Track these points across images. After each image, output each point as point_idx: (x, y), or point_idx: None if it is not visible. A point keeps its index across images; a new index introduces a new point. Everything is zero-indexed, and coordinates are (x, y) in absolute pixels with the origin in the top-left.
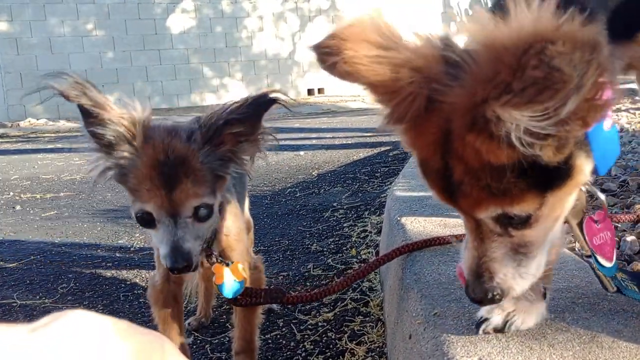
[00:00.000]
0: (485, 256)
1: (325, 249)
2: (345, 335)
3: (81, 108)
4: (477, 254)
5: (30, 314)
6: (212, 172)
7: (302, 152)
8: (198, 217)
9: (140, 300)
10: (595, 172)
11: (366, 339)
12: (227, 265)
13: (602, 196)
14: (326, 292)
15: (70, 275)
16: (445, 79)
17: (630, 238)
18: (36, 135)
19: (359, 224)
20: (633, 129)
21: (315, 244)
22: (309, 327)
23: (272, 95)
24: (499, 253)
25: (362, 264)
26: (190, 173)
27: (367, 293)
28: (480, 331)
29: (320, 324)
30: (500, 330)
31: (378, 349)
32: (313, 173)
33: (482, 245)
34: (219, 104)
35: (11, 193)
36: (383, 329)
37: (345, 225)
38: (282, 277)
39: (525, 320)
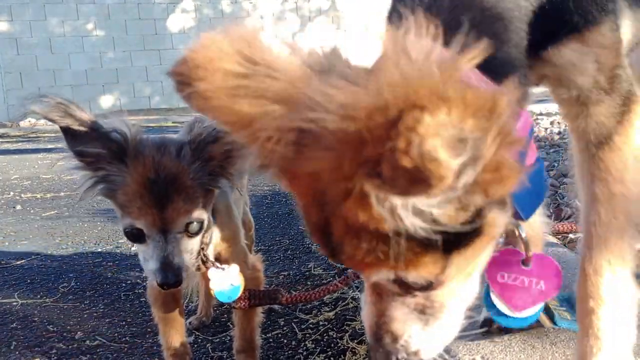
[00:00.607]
0: (384, 315)
1: None
2: (347, 334)
3: (63, 128)
4: (377, 312)
5: (31, 313)
6: (203, 188)
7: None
8: (189, 232)
9: (142, 299)
10: (517, 216)
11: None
12: (223, 269)
13: (523, 234)
14: (324, 291)
15: (71, 275)
16: (309, 136)
17: None
18: (36, 135)
19: None
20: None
21: (315, 244)
22: (310, 326)
23: None
24: (400, 313)
25: None
26: (182, 191)
27: None
28: (487, 330)
29: (321, 323)
30: (503, 329)
31: None
32: None
33: (381, 302)
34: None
35: (11, 193)
36: None
37: None
38: (282, 276)
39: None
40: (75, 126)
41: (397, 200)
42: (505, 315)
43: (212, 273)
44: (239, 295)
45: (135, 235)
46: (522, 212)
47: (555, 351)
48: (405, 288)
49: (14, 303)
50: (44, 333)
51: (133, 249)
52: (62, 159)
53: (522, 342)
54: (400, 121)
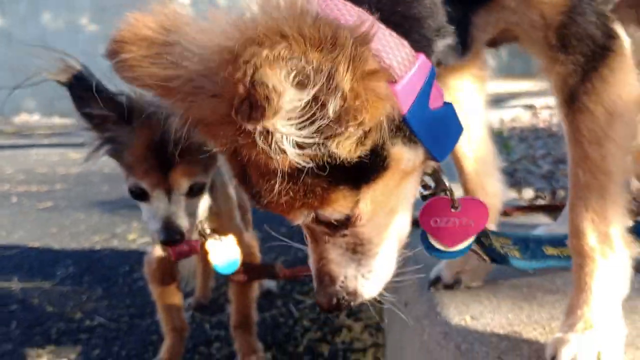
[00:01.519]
0: (322, 258)
1: None
2: (343, 313)
3: (72, 90)
4: (317, 256)
5: (31, 296)
6: (205, 152)
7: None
8: (191, 194)
9: (139, 283)
10: (432, 157)
11: (363, 315)
12: (221, 241)
13: (447, 183)
14: None
15: (68, 261)
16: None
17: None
18: (30, 131)
19: None
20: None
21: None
22: (307, 306)
23: None
24: (335, 254)
25: None
26: (186, 153)
27: None
28: (432, 289)
29: None
30: (450, 286)
31: (375, 325)
32: None
33: (318, 247)
34: None
35: (7, 185)
36: (381, 306)
37: None
38: (281, 261)
39: (473, 278)
40: (82, 90)
41: (274, 130)
42: (440, 251)
43: (211, 245)
44: (237, 266)
45: (140, 195)
46: (435, 153)
47: (542, 311)
48: (331, 227)
49: (13, 286)
50: (44, 314)
51: (130, 237)
52: (57, 153)
53: (511, 303)
54: (240, 57)
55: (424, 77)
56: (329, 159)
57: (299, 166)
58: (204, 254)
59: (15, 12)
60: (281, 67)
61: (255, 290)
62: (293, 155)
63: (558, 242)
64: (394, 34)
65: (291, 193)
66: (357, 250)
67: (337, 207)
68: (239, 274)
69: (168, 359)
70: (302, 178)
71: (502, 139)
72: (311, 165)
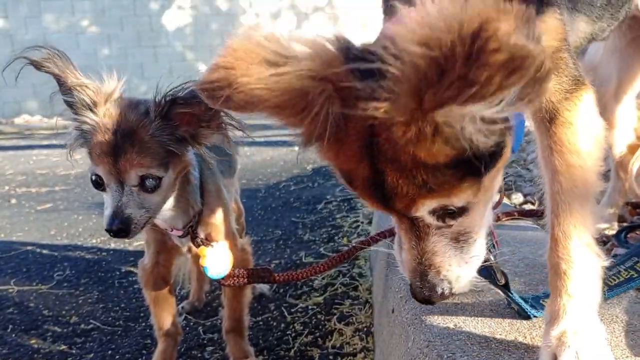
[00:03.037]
0: (426, 252)
1: (317, 239)
2: (334, 317)
3: (56, 78)
4: (417, 253)
5: (27, 299)
6: (163, 147)
7: (297, 147)
8: (144, 188)
9: (135, 286)
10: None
11: (354, 319)
12: (212, 246)
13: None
14: (313, 271)
15: (65, 264)
16: (358, 84)
17: None
18: (31, 132)
19: (351, 215)
20: None
21: (307, 234)
22: (300, 310)
23: None
24: (440, 246)
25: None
26: (137, 143)
27: (357, 278)
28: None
29: (310, 307)
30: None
31: (365, 329)
32: (307, 167)
33: (420, 243)
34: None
35: (6, 187)
36: (371, 310)
37: (337, 216)
38: (274, 264)
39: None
40: (57, 75)
41: (466, 115)
42: None
43: (202, 250)
44: (228, 271)
45: (98, 183)
46: (515, 145)
47: (523, 320)
48: (445, 217)
49: (10, 290)
50: (40, 317)
51: (127, 240)
52: (57, 155)
53: (492, 311)
54: (481, 32)
55: None
56: (484, 144)
57: (457, 155)
58: (197, 260)
59: (16, 13)
60: (519, 34)
61: (248, 295)
62: (479, 135)
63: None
64: None
65: (429, 186)
66: (460, 239)
67: (464, 196)
68: (231, 278)
69: None
70: (444, 169)
71: None
72: (486, 146)
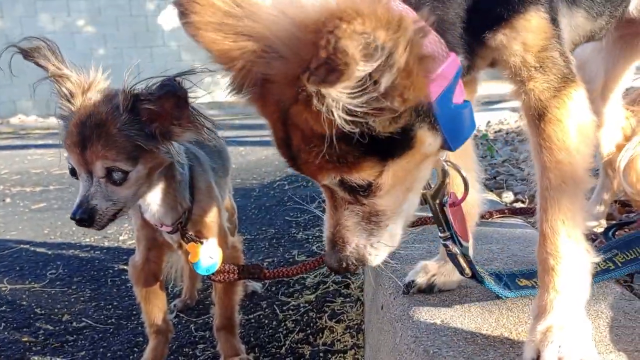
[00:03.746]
0: (339, 224)
1: (310, 237)
2: (326, 315)
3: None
4: (333, 222)
5: (20, 297)
6: (130, 141)
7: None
8: (112, 180)
9: (128, 285)
10: (447, 147)
11: (345, 317)
12: (202, 243)
13: (464, 174)
14: (303, 268)
15: (58, 262)
16: (274, 49)
17: None
18: (26, 132)
19: None
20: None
21: (300, 233)
22: (291, 307)
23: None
24: (351, 222)
25: None
26: (103, 136)
27: (349, 276)
28: (410, 293)
29: (302, 305)
30: (424, 290)
31: (356, 326)
32: None
33: (336, 213)
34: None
35: (1, 187)
36: (362, 308)
37: None
38: (267, 262)
39: (447, 283)
40: (41, 64)
41: (331, 97)
42: (464, 247)
43: (191, 247)
44: (217, 268)
45: (73, 171)
46: (450, 143)
47: (510, 315)
48: (352, 192)
49: (3, 288)
50: (32, 315)
51: (121, 238)
52: (52, 154)
53: (480, 307)
54: (325, 27)
55: (453, 73)
56: (367, 130)
57: (340, 132)
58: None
59: (12, 13)
60: (357, 39)
61: (239, 292)
62: (341, 121)
63: (530, 274)
64: (434, 32)
65: (327, 156)
66: (371, 221)
67: (363, 174)
68: (221, 274)
69: None
70: (338, 144)
71: (487, 142)
72: (354, 132)
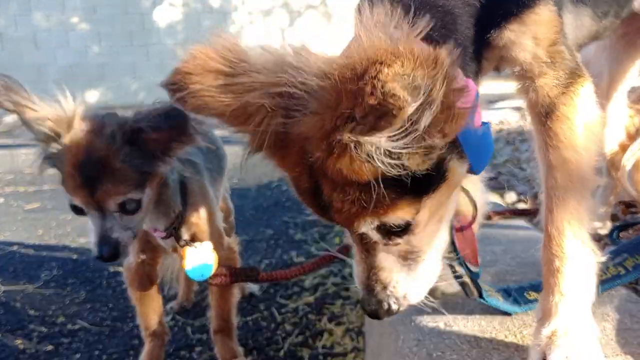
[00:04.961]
0: (374, 267)
1: (308, 238)
2: (325, 317)
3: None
4: (366, 266)
5: (13, 299)
6: (136, 170)
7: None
8: (125, 211)
9: (123, 286)
10: (471, 171)
11: (345, 319)
12: (196, 247)
13: (473, 198)
14: (300, 270)
15: (53, 264)
16: (296, 103)
17: None
18: (19, 131)
19: None
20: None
21: (299, 234)
22: (290, 310)
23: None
24: (387, 262)
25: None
26: (110, 173)
27: (348, 278)
28: None
29: (301, 307)
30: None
31: (356, 329)
32: None
33: (369, 257)
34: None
35: None
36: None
37: None
38: (265, 264)
39: (448, 287)
40: (12, 109)
41: (370, 143)
42: (474, 273)
43: (186, 252)
44: (211, 273)
45: (77, 210)
46: (476, 168)
47: (514, 318)
48: (388, 235)
49: None
50: (26, 317)
51: None
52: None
53: (483, 310)
54: (366, 73)
55: (473, 99)
56: (403, 170)
57: (376, 177)
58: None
59: (6, 11)
60: (401, 81)
61: (235, 295)
62: (384, 166)
63: (539, 286)
64: None
65: (363, 203)
66: (408, 257)
67: (402, 214)
68: (218, 277)
69: None
70: (375, 188)
71: None
72: (399, 175)
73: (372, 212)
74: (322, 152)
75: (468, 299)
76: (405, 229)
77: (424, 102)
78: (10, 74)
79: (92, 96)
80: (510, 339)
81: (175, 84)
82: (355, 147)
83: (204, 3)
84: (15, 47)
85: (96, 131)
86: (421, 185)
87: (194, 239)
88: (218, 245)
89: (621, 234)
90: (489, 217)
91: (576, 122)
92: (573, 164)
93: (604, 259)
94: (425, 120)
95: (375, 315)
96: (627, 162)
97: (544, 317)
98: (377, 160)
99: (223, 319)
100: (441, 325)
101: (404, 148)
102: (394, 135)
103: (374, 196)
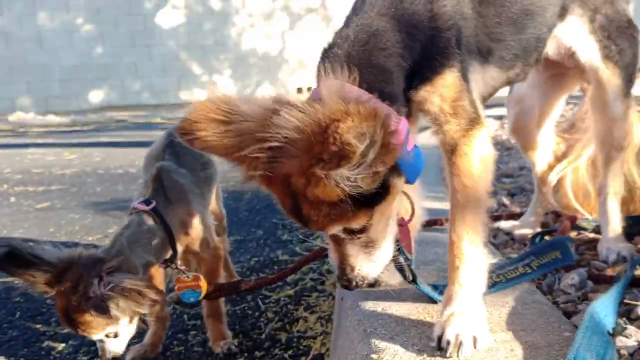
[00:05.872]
0: (344, 255)
1: (294, 239)
2: (302, 307)
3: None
4: (339, 255)
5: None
6: (104, 312)
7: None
8: (111, 337)
9: None
10: (407, 182)
11: (318, 309)
12: (188, 277)
13: (412, 201)
14: (277, 277)
15: None
16: (279, 151)
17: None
18: (25, 130)
19: None
20: None
21: (286, 234)
22: (272, 300)
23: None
24: (353, 251)
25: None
26: (84, 322)
27: (325, 274)
28: (361, 286)
29: (282, 298)
30: (372, 285)
31: (327, 317)
32: None
33: (340, 248)
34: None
35: (5, 186)
36: (333, 301)
37: None
38: (253, 261)
39: (390, 279)
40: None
41: (336, 174)
42: (410, 259)
43: (177, 280)
44: (200, 297)
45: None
46: (411, 179)
47: (434, 305)
48: (352, 233)
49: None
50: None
51: None
52: (52, 154)
53: (413, 298)
54: (328, 128)
55: (405, 132)
56: (360, 190)
57: (344, 196)
58: (185, 257)
59: (12, 11)
60: (352, 132)
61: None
62: (348, 189)
63: None
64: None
65: (332, 216)
66: (368, 246)
67: (360, 221)
68: (207, 296)
69: (152, 343)
70: (341, 205)
71: None
72: (356, 193)
73: (339, 221)
74: (301, 183)
75: (404, 291)
76: (364, 229)
77: (369, 144)
78: (15, 73)
79: (96, 96)
80: (428, 319)
81: (184, 129)
82: (326, 178)
83: (205, 6)
84: (20, 47)
85: (80, 282)
86: (373, 198)
87: (186, 250)
88: (204, 245)
89: (545, 239)
90: (440, 223)
91: (473, 158)
92: (470, 188)
93: (495, 260)
94: (371, 156)
95: (347, 287)
96: (553, 179)
97: (446, 301)
98: (341, 185)
99: (214, 306)
100: (379, 309)
101: (358, 175)
102: (351, 168)
103: (341, 210)
